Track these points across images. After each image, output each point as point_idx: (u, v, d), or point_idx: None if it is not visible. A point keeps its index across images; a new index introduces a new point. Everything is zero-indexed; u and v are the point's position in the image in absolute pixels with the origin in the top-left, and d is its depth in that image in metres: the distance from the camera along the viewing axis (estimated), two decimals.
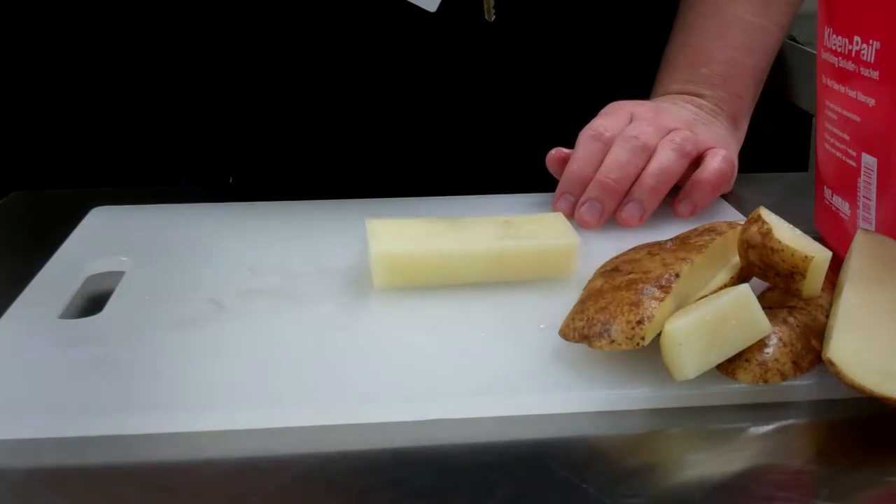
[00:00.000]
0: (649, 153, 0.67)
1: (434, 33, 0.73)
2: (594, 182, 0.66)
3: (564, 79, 0.80)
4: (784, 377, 0.47)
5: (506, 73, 0.78)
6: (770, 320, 0.47)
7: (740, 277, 0.52)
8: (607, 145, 0.67)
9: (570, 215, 0.66)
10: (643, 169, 0.67)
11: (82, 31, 1.77)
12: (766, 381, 0.46)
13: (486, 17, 0.72)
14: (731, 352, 0.46)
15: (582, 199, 0.67)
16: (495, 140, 0.80)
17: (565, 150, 0.70)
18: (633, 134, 0.67)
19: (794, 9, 0.79)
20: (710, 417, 0.46)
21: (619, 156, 0.66)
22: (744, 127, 0.77)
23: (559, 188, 0.68)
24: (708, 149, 0.70)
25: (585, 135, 0.68)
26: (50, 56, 1.79)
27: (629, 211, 0.66)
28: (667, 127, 0.69)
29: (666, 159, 0.67)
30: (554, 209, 0.67)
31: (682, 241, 0.53)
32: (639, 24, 0.81)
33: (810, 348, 0.48)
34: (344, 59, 0.77)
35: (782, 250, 0.48)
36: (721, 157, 0.69)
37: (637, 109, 0.70)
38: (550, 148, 0.71)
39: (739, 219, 0.64)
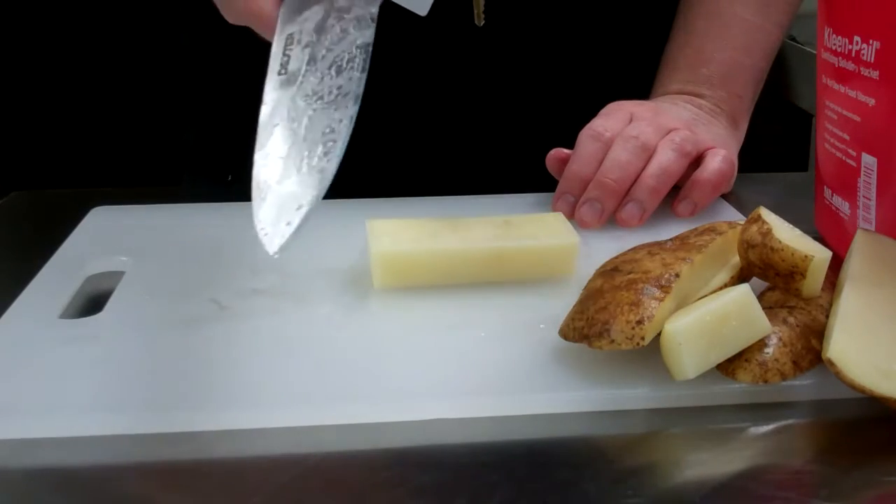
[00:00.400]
0: (649, 153, 0.67)
1: (428, 35, 0.73)
2: (594, 182, 0.66)
3: (562, 79, 0.80)
4: (784, 377, 0.47)
5: (502, 75, 0.78)
6: (770, 320, 0.47)
7: (740, 277, 0.52)
8: (607, 145, 0.67)
9: (570, 215, 0.66)
10: (643, 169, 0.67)
11: (82, 31, 1.77)
12: (766, 381, 0.46)
13: (476, 21, 0.72)
14: (731, 352, 0.46)
15: (582, 199, 0.67)
16: (495, 140, 0.80)
17: (565, 151, 0.70)
18: (632, 134, 0.67)
19: (794, 8, 0.79)
20: (710, 417, 0.46)
21: (618, 156, 0.66)
22: (743, 127, 0.77)
23: (559, 188, 0.68)
24: (708, 149, 0.70)
25: (585, 135, 0.68)
26: (50, 56, 1.79)
27: (629, 211, 0.66)
28: (666, 127, 0.69)
29: (666, 159, 0.67)
30: (553, 209, 0.67)
31: (682, 241, 0.53)
32: (637, 24, 0.81)
33: (810, 348, 0.48)
34: None
35: (782, 250, 0.48)
36: (721, 157, 0.69)
37: (637, 109, 0.70)
38: (550, 148, 0.71)
39: (739, 219, 0.64)
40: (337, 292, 0.57)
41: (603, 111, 0.71)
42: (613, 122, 0.69)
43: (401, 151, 0.81)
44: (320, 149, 0.49)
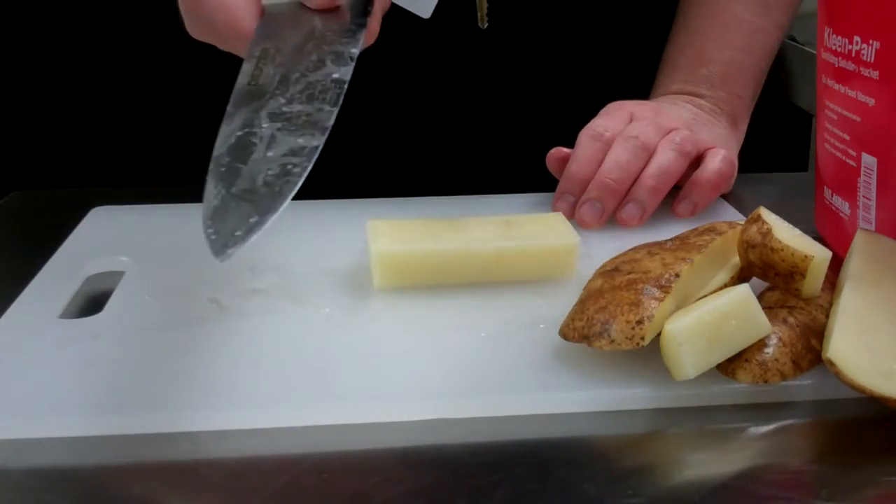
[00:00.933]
0: (649, 153, 0.67)
1: (430, 38, 0.73)
2: (594, 182, 0.66)
3: (562, 80, 0.80)
4: (784, 377, 0.47)
5: (504, 76, 0.78)
6: (770, 320, 0.47)
7: (740, 277, 0.52)
8: (607, 145, 0.67)
9: (570, 215, 0.66)
10: (643, 169, 0.67)
11: (83, 31, 1.77)
12: (766, 381, 0.46)
13: (480, 24, 0.72)
14: (731, 352, 0.46)
15: (582, 199, 0.67)
16: (495, 140, 0.80)
17: (565, 150, 0.70)
18: (632, 134, 0.67)
19: (794, 9, 0.79)
20: (710, 417, 0.46)
21: (619, 156, 0.66)
22: (743, 127, 0.77)
23: (559, 188, 0.68)
24: (708, 148, 0.70)
25: (585, 135, 0.68)
26: (50, 56, 1.79)
27: (629, 211, 0.66)
28: (667, 127, 0.69)
29: (666, 159, 0.67)
30: (554, 209, 0.67)
31: (682, 241, 0.53)
32: (637, 24, 0.81)
33: (810, 348, 0.48)
34: None
35: (782, 250, 0.48)
36: (721, 157, 0.69)
37: (637, 109, 0.70)
38: (550, 148, 0.71)
39: (739, 219, 0.64)
40: (337, 292, 0.57)
41: (603, 111, 0.71)
42: (613, 121, 0.69)
43: (401, 151, 0.81)
44: (279, 170, 0.47)
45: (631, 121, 0.69)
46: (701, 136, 0.70)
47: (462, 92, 0.78)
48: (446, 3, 0.59)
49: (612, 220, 0.67)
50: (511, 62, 0.78)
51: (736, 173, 0.72)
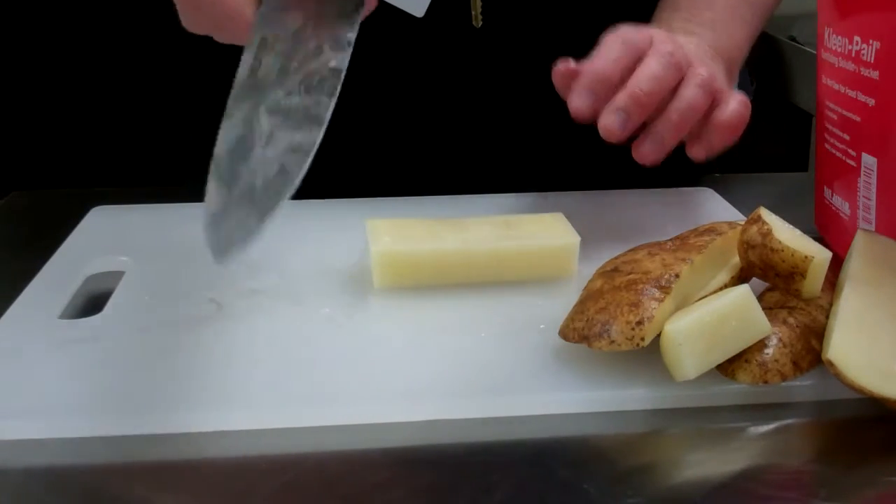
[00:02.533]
0: (681, 75, 0.62)
1: (424, 37, 0.73)
2: (625, 91, 0.61)
3: None
4: (784, 378, 0.47)
5: (501, 75, 0.78)
6: (770, 321, 0.47)
7: (740, 278, 0.52)
8: (635, 54, 0.62)
9: (588, 115, 0.61)
10: (671, 90, 0.62)
11: (83, 31, 1.77)
12: (765, 382, 0.46)
13: (474, 22, 0.71)
14: (731, 352, 0.46)
15: (609, 106, 0.61)
16: (494, 140, 0.80)
17: (574, 64, 0.63)
18: (667, 50, 0.62)
19: None
20: (710, 417, 0.46)
21: (653, 68, 0.61)
22: (734, 80, 0.74)
23: (578, 84, 0.61)
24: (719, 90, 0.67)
25: (612, 39, 0.62)
26: (50, 56, 1.79)
27: (648, 147, 0.61)
28: (687, 55, 0.66)
29: (693, 95, 0.62)
30: (571, 107, 0.61)
31: (682, 242, 0.53)
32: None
33: (810, 349, 0.48)
34: None
35: (782, 251, 0.48)
36: (740, 100, 0.64)
37: (654, 32, 0.66)
38: (549, 148, 0.70)
39: (739, 219, 0.64)
40: (337, 292, 0.57)
41: (621, 28, 0.65)
42: (640, 34, 0.63)
43: (400, 151, 0.81)
44: (278, 168, 0.46)
45: (652, 41, 0.66)
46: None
47: (459, 91, 0.78)
48: (440, 2, 0.59)
49: (611, 219, 0.67)
50: (506, 60, 0.78)
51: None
